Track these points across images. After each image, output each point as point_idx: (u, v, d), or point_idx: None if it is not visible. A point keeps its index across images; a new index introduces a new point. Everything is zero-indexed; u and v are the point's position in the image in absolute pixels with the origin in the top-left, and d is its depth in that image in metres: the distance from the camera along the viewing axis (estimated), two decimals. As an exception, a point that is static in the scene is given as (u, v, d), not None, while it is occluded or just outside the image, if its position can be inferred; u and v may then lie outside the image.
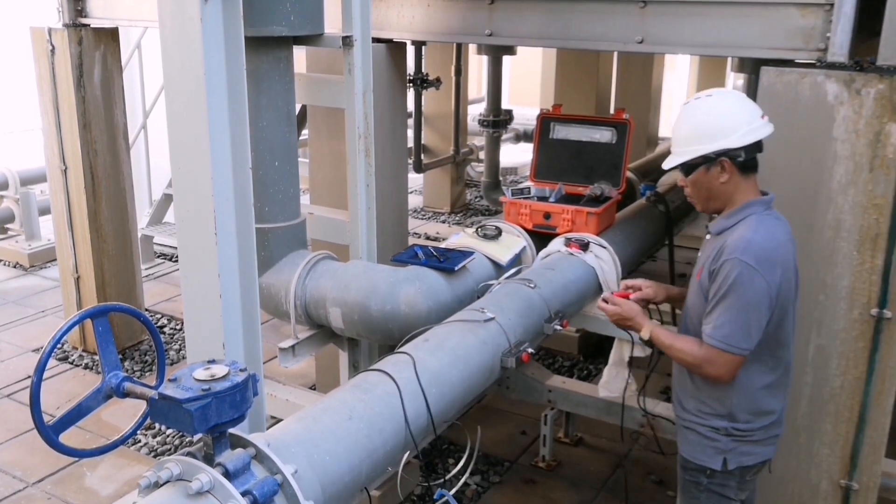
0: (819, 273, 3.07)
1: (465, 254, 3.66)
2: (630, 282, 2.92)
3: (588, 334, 5.50)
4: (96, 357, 5.48)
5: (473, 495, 4.21)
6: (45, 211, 7.32)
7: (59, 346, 2.32)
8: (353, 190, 3.66)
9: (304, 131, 4.96)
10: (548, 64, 8.65)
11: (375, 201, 3.73)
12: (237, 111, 2.57)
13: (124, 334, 5.65)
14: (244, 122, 2.61)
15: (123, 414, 4.50)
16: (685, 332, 2.69)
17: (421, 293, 3.34)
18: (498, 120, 8.09)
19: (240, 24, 2.54)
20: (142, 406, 2.23)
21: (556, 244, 3.97)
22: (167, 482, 1.90)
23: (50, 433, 2.15)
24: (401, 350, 2.82)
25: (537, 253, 4.03)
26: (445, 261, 3.55)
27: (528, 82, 11.18)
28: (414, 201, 9.24)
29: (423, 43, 6.51)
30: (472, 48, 9.12)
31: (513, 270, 3.66)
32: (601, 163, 4.38)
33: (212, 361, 2.00)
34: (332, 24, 3.56)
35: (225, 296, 2.62)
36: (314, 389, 4.73)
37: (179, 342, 5.96)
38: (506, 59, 8.16)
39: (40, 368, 2.10)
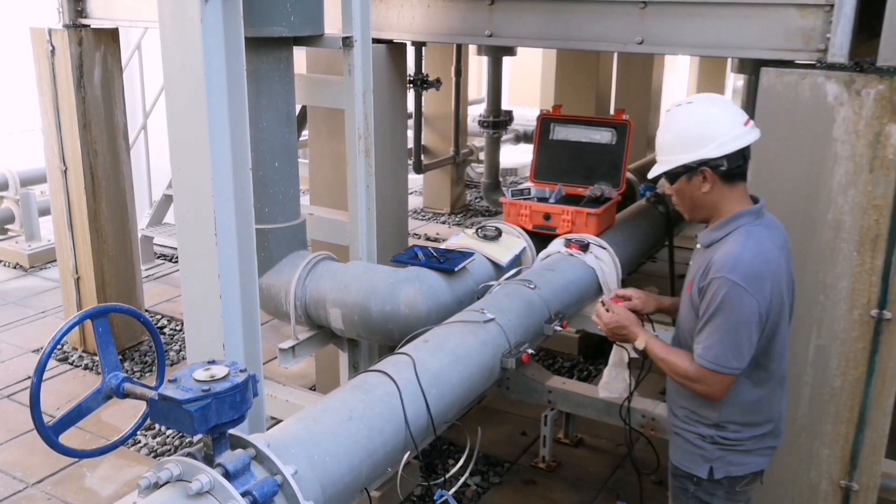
0: (819, 273, 3.07)
1: (465, 255, 3.66)
2: (621, 291, 2.86)
3: (588, 335, 5.50)
4: (96, 358, 5.48)
5: (473, 496, 4.21)
6: (45, 211, 7.31)
7: (59, 346, 2.31)
8: (353, 190, 3.66)
9: (304, 132, 4.96)
10: (548, 65, 8.65)
11: (375, 202, 3.73)
12: (237, 111, 2.57)
13: (124, 335, 5.65)
14: (244, 122, 2.61)
15: (123, 415, 4.50)
16: (678, 345, 2.63)
17: (421, 294, 3.34)
18: (498, 121, 8.09)
19: (240, 24, 2.54)
20: (142, 407, 2.23)
21: (556, 245, 3.97)
22: (167, 483, 1.90)
23: (50, 434, 2.15)
24: (401, 351, 2.82)
25: (537, 254, 4.03)
26: (445, 262, 3.55)
27: (528, 83, 11.18)
28: (414, 202, 9.24)
29: (424, 44, 6.51)
30: (472, 49, 9.12)
31: (513, 271, 3.66)
32: (601, 164, 4.38)
33: (212, 362, 2.00)
34: (333, 25, 3.56)
35: (225, 296, 2.62)
36: (314, 390, 4.73)
37: (179, 343, 5.96)
38: (506, 59, 8.15)
39: (40, 369, 2.10)
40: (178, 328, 6.19)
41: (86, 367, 5.57)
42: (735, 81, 11.44)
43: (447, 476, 3.14)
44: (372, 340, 3.68)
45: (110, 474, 4.38)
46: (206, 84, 2.45)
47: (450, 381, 2.78)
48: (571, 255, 3.86)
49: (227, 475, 1.92)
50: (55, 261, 6.77)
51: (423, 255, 3.59)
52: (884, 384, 3.06)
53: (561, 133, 4.51)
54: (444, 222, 9.15)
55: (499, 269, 3.78)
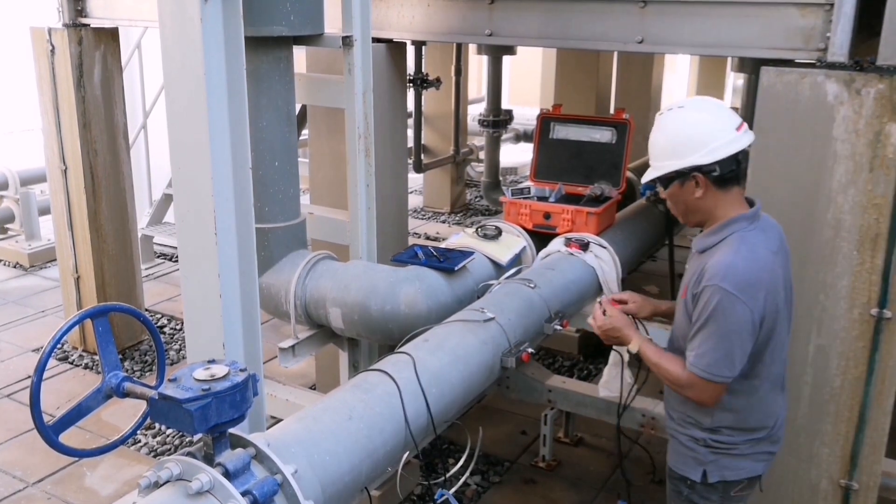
0: (819, 273, 3.07)
1: (465, 254, 3.66)
2: (616, 295, 2.84)
3: (588, 334, 5.49)
4: (96, 357, 5.49)
5: (473, 495, 4.21)
6: (45, 211, 7.32)
7: (59, 346, 2.32)
8: (353, 190, 3.66)
9: (304, 131, 4.96)
10: (548, 64, 8.66)
11: (375, 201, 3.73)
12: (237, 111, 2.57)
13: (124, 334, 5.65)
14: (244, 122, 2.61)
15: (123, 414, 4.50)
16: (673, 348, 2.61)
17: (421, 293, 3.34)
18: (498, 120, 8.09)
19: (240, 24, 2.54)
20: (142, 406, 2.23)
21: (556, 244, 3.98)
22: (167, 482, 1.91)
23: (50, 433, 2.15)
24: (401, 350, 2.83)
25: (537, 253, 4.03)
26: (445, 261, 3.55)
27: (528, 82, 11.18)
28: (414, 201, 9.24)
29: (423, 43, 6.51)
30: (472, 48, 9.12)
31: (513, 270, 3.66)
32: (601, 163, 4.38)
33: (212, 361, 2.00)
34: (332, 24, 3.56)
35: (225, 296, 2.62)
36: (314, 389, 4.73)
37: (179, 342, 5.96)
38: (506, 59, 8.16)
39: (40, 368, 2.10)
40: (178, 327, 6.19)
41: (86, 367, 5.57)
42: (735, 81, 11.44)
43: (448, 475, 3.14)
44: (372, 340, 3.68)
45: (110, 473, 4.38)
46: (206, 84, 2.45)
47: (450, 380, 2.78)
48: (571, 254, 3.86)
49: (228, 474, 1.92)
50: (55, 260, 6.77)
51: (423, 255, 3.59)
52: (884, 383, 3.06)
53: (561, 132, 4.51)
54: (444, 221, 9.16)
55: (499, 269, 3.79)
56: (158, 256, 7.75)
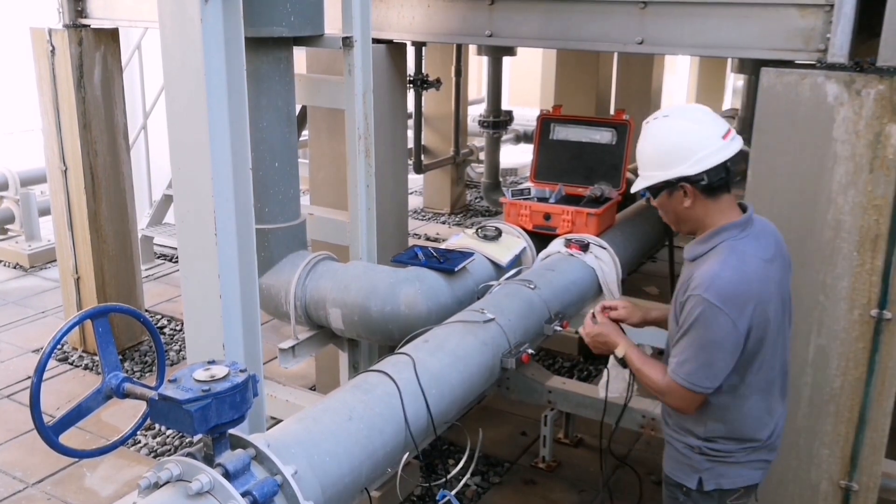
0: (819, 273, 3.07)
1: (465, 255, 3.66)
2: (607, 302, 2.81)
3: (588, 335, 5.49)
4: (96, 358, 5.48)
5: (473, 496, 4.21)
6: (45, 211, 7.31)
7: (59, 346, 2.31)
8: (353, 190, 3.66)
9: (304, 132, 4.96)
10: (548, 65, 8.66)
11: (375, 202, 3.73)
12: (237, 111, 2.57)
13: (124, 335, 5.65)
14: (244, 122, 2.61)
15: (123, 414, 4.50)
16: (669, 354, 2.58)
17: (421, 294, 3.34)
18: (498, 121, 8.10)
19: (240, 24, 2.55)
20: (142, 407, 2.23)
21: (556, 245, 3.98)
22: (167, 483, 1.91)
23: (50, 434, 2.15)
24: (401, 351, 2.83)
25: (537, 254, 4.03)
26: (445, 262, 3.55)
27: (528, 83, 11.19)
28: (414, 202, 9.24)
29: (424, 44, 6.51)
30: (472, 49, 9.12)
31: (513, 271, 3.66)
32: (601, 164, 4.38)
33: (212, 362, 2.00)
34: (333, 25, 3.57)
35: (225, 296, 2.62)
36: (314, 390, 4.73)
37: (179, 343, 5.96)
38: (506, 59, 8.16)
39: (40, 369, 2.10)
40: (178, 328, 6.19)
41: (86, 367, 5.57)
42: (735, 82, 11.46)
43: (448, 476, 3.14)
44: (372, 340, 3.68)
45: (110, 474, 4.38)
46: (206, 84, 2.46)
47: (450, 381, 2.78)
48: (571, 255, 3.86)
49: (227, 475, 1.92)
50: (55, 261, 6.77)
51: (423, 255, 3.60)
52: (884, 384, 3.06)
53: (561, 133, 4.51)
54: (444, 222, 9.15)
55: (499, 269, 3.79)
56: (158, 257, 7.75)
